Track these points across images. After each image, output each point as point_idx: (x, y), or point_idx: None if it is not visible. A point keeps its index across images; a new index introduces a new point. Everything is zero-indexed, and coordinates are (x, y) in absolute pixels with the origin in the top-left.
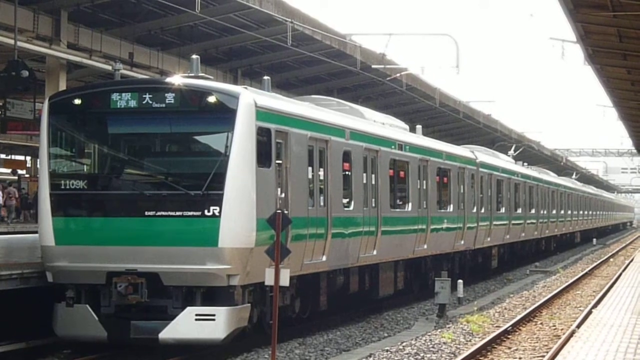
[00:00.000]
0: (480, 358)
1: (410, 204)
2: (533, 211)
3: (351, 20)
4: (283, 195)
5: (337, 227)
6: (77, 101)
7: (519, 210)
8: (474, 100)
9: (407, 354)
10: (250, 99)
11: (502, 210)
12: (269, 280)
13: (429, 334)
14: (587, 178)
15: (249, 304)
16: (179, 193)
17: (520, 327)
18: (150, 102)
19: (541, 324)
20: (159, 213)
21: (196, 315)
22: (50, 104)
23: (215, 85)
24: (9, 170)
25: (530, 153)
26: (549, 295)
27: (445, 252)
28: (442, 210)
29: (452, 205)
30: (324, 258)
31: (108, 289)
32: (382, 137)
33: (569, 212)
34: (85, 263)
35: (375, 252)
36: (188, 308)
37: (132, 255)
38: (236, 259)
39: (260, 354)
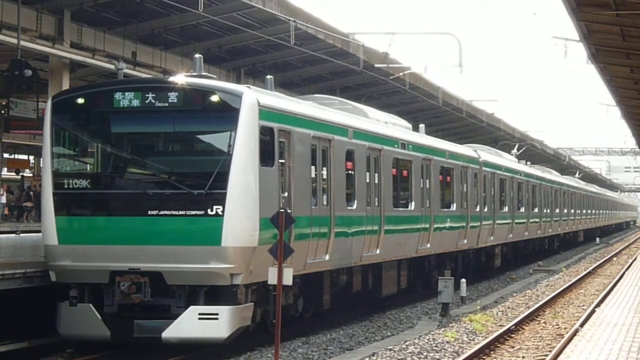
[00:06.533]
0: (484, 357)
1: (413, 203)
2: (536, 210)
3: (354, 20)
4: (286, 194)
5: (340, 226)
6: (80, 100)
7: (522, 209)
8: (476, 99)
9: (410, 353)
10: (253, 98)
11: (505, 209)
12: (272, 280)
13: (432, 333)
14: (590, 177)
15: (252, 303)
16: (182, 192)
17: (524, 326)
18: (153, 101)
19: (544, 323)
20: (162, 212)
21: (199, 314)
22: (54, 104)
23: (218, 84)
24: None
25: (533, 152)
26: (552, 294)
27: (448, 251)
28: (445, 210)
29: (455, 204)
30: (327, 257)
31: (111, 288)
32: (385, 136)
33: (572, 211)
34: (89, 262)
35: (378, 251)
36: (191, 307)
37: (135, 254)
38: (239, 258)
39: (263, 353)
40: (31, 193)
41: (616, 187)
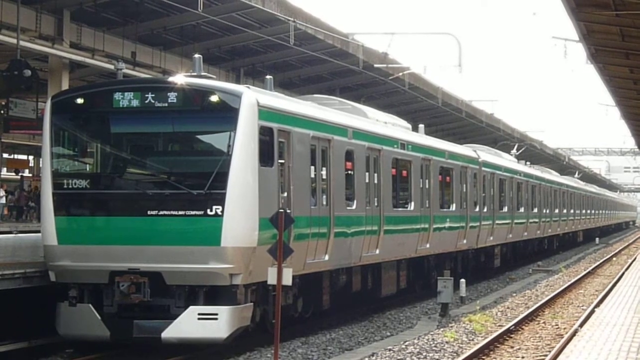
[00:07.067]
0: (483, 357)
1: (412, 203)
2: (535, 210)
3: (354, 20)
4: (285, 194)
5: (339, 227)
6: (80, 100)
7: (522, 210)
8: (476, 99)
9: (409, 353)
10: (253, 98)
11: (505, 209)
12: (272, 280)
13: (432, 333)
14: (589, 177)
15: (252, 303)
16: (181, 192)
17: (523, 327)
18: (153, 101)
19: (544, 323)
20: (161, 212)
21: (199, 314)
22: (53, 104)
23: (217, 84)
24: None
25: (532, 152)
26: (552, 295)
27: (448, 251)
28: (445, 210)
29: (454, 205)
30: (327, 257)
31: (111, 288)
32: (385, 136)
33: (572, 211)
34: (88, 262)
35: (377, 251)
36: (191, 307)
37: (135, 254)
38: (239, 258)
39: (262, 353)
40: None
41: (615, 187)
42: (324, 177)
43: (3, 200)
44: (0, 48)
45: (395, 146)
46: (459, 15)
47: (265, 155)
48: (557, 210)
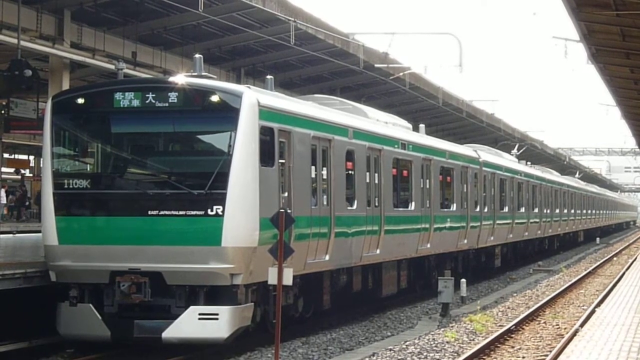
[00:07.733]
0: (484, 357)
1: (413, 203)
2: (536, 210)
3: (354, 20)
4: (286, 194)
5: (340, 227)
6: (81, 100)
7: (522, 210)
8: (477, 99)
9: (410, 353)
10: (254, 98)
11: (505, 209)
12: (272, 280)
13: (432, 333)
14: (590, 177)
15: (252, 303)
16: (182, 192)
17: (524, 327)
18: (154, 101)
19: (544, 323)
20: (162, 212)
21: (199, 314)
22: (54, 104)
23: (218, 84)
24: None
25: (533, 152)
26: (552, 295)
27: (449, 251)
28: (445, 210)
29: (455, 205)
30: (327, 257)
31: (111, 288)
32: (385, 136)
33: (572, 211)
34: (89, 262)
35: (378, 251)
36: (191, 307)
37: (135, 254)
38: (239, 258)
39: (263, 353)
40: None
41: (616, 187)
42: (325, 177)
43: (4, 200)
44: (1, 48)
45: (396, 146)
46: (459, 15)
47: (266, 155)
48: (557, 210)
